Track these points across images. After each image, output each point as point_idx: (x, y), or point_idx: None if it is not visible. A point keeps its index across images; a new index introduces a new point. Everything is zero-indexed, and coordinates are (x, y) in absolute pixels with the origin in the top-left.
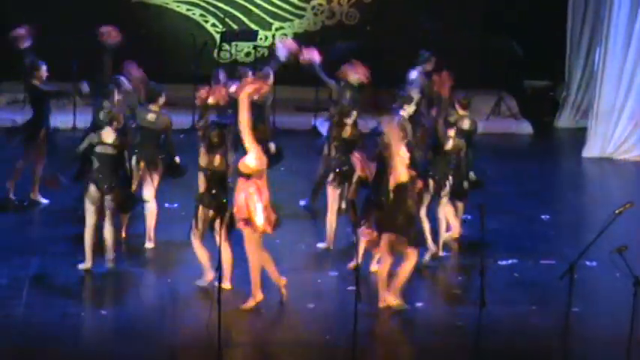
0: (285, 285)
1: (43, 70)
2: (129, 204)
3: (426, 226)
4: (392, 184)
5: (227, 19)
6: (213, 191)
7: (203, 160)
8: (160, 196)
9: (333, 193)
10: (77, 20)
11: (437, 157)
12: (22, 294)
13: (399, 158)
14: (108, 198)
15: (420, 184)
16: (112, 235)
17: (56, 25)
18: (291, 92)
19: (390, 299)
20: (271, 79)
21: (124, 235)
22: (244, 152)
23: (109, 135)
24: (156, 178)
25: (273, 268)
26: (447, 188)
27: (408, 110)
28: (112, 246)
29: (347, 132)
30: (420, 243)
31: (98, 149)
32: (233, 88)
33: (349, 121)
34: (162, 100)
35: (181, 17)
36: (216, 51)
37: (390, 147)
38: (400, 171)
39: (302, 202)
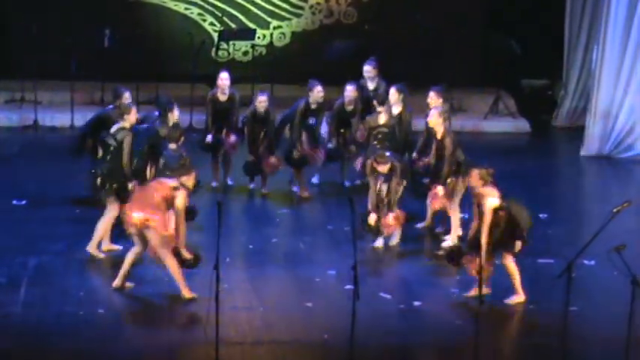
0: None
1: (126, 96)
2: (121, 195)
3: (458, 215)
4: (490, 211)
5: (225, 18)
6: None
7: None
8: None
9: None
10: (75, 20)
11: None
12: (20, 293)
13: (487, 195)
14: (105, 189)
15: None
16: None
17: (54, 24)
18: (289, 90)
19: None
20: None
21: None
22: None
23: (116, 126)
24: None
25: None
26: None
27: None
28: (95, 237)
29: (383, 119)
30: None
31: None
32: None
33: (383, 109)
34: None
35: (179, 16)
36: (214, 50)
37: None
38: (491, 201)
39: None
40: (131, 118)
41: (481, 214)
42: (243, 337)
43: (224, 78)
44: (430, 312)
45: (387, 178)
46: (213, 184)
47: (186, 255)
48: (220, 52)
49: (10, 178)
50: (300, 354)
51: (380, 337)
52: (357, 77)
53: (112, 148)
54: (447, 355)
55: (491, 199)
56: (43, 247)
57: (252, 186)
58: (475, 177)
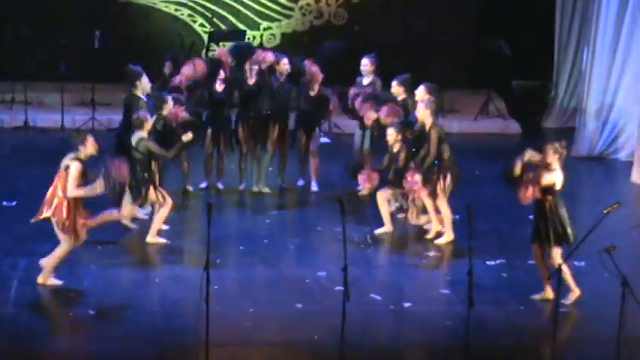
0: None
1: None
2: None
3: (449, 214)
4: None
5: (215, 19)
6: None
7: None
8: None
9: None
10: (65, 21)
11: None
12: (10, 293)
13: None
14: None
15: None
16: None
17: (44, 25)
18: None
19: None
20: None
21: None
22: None
23: (134, 138)
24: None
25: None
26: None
27: None
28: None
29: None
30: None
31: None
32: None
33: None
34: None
35: (169, 17)
36: (204, 51)
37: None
38: (549, 177)
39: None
40: (148, 126)
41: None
42: (234, 339)
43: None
44: (420, 313)
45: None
46: (203, 184)
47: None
48: (210, 54)
49: (0, 178)
50: (291, 355)
51: (370, 338)
52: (350, 78)
53: (139, 159)
54: (437, 356)
55: (553, 175)
56: (33, 248)
57: (242, 187)
58: (550, 152)
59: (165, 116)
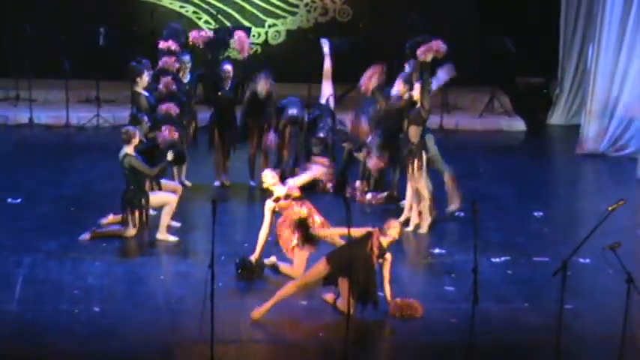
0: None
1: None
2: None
3: (427, 199)
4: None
5: (220, 16)
6: None
7: None
8: None
9: None
10: (70, 18)
11: None
12: (14, 291)
13: None
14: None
15: None
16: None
17: (49, 22)
18: (284, 89)
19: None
20: None
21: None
22: None
23: (120, 153)
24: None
25: None
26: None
27: None
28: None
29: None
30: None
31: None
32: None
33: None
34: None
35: (174, 14)
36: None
37: None
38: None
39: None
40: (135, 141)
41: None
42: (238, 336)
43: (227, 71)
44: (425, 310)
45: None
46: (216, 183)
47: None
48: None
49: (4, 176)
50: (295, 352)
51: (374, 335)
52: (353, 75)
53: (126, 174)
54: (441, 353)
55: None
56: (37, 245)
57: (252, 184)
58: None
59: (155, 136)
